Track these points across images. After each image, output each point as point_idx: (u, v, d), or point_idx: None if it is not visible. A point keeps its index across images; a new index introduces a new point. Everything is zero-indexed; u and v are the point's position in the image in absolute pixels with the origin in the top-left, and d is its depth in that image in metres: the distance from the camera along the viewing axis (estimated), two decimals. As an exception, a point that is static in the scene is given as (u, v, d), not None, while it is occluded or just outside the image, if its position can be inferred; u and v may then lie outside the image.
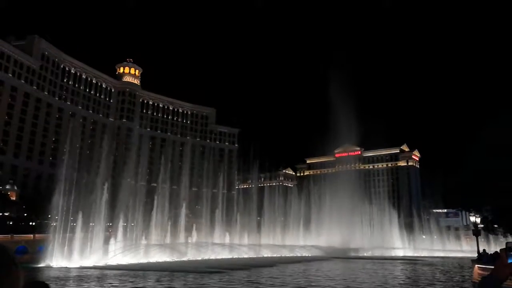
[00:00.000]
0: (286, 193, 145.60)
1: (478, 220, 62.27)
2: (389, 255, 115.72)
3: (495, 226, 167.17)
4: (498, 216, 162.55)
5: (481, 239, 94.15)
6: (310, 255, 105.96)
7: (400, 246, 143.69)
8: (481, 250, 53.82)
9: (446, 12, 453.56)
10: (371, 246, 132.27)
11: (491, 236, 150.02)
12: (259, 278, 48.01)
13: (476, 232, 59.14)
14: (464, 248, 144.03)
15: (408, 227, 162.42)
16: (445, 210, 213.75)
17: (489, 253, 50.83)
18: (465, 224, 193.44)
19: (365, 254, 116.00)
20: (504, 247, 3.82)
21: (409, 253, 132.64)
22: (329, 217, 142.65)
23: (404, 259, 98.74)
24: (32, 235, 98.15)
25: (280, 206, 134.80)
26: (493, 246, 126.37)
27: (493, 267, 3.66)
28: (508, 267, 3.53)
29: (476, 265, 38.43)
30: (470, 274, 46.61)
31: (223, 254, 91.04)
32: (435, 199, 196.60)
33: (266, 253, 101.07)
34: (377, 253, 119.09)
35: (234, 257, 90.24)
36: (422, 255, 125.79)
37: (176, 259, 78.48)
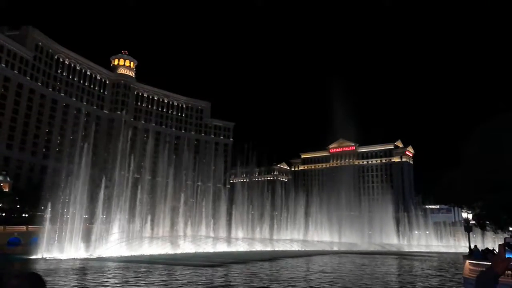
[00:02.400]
0: (280, 187, 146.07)
1: (470, 216, 62.80)
2: (384, 250, 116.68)
3: (487, 222, 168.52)
4: (490, 212, 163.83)
5: (473, 235, 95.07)
6: (303, 249, 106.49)
7: (394, 242, 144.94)
8: (472, 246, 54.32)
9: (442, 11, 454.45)
10: (365, 241, 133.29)
11: (486, 232, 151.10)
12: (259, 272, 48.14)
13: (468, 228, 59.67)
14: (462, 244, 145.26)
15: (402, 222, 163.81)
16: (438, 206, 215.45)
17: (481, 249, 51.37)
18: (457, 220, 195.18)
19: (359, 249, 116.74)
20: (503, 242, 3.85)
21: (403, 248, 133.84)
22: (323, 212, 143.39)
23: (398, 254, 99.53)
24: (25, 227, 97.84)
25: (274, 200, 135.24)
26: (485, 242, 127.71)
27: (484, 262, 3.69)
28: (506, 261, 3.55)
29: (467, 261, 38.76)
30: (461, 269, 47.07)
31: (217, 247, 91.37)
32: (428, 195, 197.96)
33: (260, 247, 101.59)
34: (371, 248, 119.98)
35: (227, 250, 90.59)
36: (415, 250, 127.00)
37: (170, 252, 78.57)
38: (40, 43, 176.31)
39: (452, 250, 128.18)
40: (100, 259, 61.25)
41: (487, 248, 48.24)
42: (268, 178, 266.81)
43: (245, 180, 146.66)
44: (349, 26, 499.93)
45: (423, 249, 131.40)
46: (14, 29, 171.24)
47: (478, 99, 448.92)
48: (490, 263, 3.62)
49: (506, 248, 3.79)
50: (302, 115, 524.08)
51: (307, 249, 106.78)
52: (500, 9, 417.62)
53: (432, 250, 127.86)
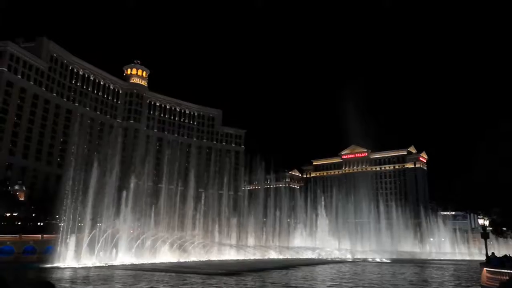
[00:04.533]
0: (292, 194, 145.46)
1: (487, 222, 61.51)
2: (401, 258, 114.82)
3: (504, 229, 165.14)
4: (507, 218, 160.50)
5: (490, 242, 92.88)
6: (316, 257, 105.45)
7: (409, 249, 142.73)
8: (490, 253, 53.07)
9: (457, 15, 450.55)
10: (381, 249, 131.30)
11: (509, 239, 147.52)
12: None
13: (485, 235, 58.41)
14: (483, 251, 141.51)
15: (417, 229, 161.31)
16: (453, 213, 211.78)
17: (498, 256, 50.14)
18: (473, 226, 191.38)
19: (375, 257, 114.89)
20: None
21: (419, 255, 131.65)
22: (337, 219, 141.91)
23: (415, 262, 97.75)
24: (40, 235, 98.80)
25: (286, 207, 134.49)
26: (505, 249, 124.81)
27: (503, 270, 3.59)
28: None
29: (485, 268, 37.93)
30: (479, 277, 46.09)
31: (229, 255, 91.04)
32: (443, 201, 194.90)
33: (273, 255, 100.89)
34: (387, 255, 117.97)
35: (240, 258, 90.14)
36: (431, 258, 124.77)
37: (181, 260, 78.58)
38: (55, 54, 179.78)
39: (469, 257, 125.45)
40: (112, 268, 61.53)
41: (505, 256, 47.08)
42: (280, 185, 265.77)
43: (257, 187, 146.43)
44: (361, 32, 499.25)
45: (441, 257, 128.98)
46: (30, 41, 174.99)
47: (491, 103, 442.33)
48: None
49: None
50: (313, 122, 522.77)
51: (322, 257, 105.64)
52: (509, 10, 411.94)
53: (448, 258, 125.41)
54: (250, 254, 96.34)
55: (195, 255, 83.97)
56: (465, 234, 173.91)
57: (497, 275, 33.54)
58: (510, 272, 30.94)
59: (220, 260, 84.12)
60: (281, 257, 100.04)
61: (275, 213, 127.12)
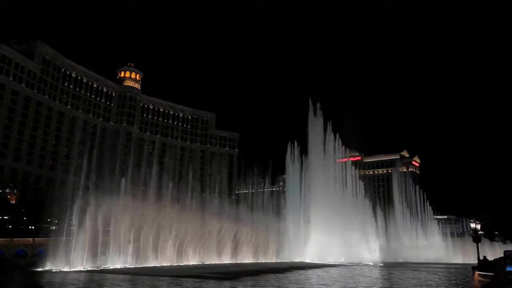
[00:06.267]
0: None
1: (478, 226, 62.07)
2: (392, 261, 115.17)
3: (496, 232, 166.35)
4: (498, 222, 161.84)
5: (481, 246, 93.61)
6: (309, 261, 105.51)
7: (403, 253, 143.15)
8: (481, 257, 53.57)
9: (447, 17, 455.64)
10: (376, 252, 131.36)
11: (495, 243, 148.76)
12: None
13: (476, 239, 59.03)
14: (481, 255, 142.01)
15: (409, 233, 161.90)
16: (446, 216, 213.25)
17: (489, 259, 50.61)
18: (465, 230, 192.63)
19: (368, 260, 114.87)
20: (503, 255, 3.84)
21: (412, 259, 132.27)
22: (331, 222, 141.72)
23: (408, 266, 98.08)
24: (31, 239, 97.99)
25: (280, 211, 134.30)
26: (500, 253, 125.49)
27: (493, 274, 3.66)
28: (506, 275, 3.55)
29: (476, 272, 38.34)
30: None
31: (222, 259, 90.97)
32: (435, 205, 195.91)
33: (267, 259, 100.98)
34: (382, 259, 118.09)
35: (235, 262, 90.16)
36: (425, 261, 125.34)
37: (175, 264, 78.21)
38: (47, 57, 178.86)
39: (462, 261, 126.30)
40: (104, 272, 61.04)
41: (495, 259, 47.54)
42: (274, 189, 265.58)
43: (250, 190, 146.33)
44: (353, 35, 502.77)
45: (433, 260, 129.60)
46: (22, 43, 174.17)
47: (485, 106, 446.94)
48: (492, 276, 3.62)
49: (508, 261, 3.77)
50: (307, 125, 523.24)
51: (315, 260, 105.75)
52: (497, 15, 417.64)
53: (440, 261, 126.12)
54: (244, 258, 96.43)
55: (188, 259, 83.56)
56: (458, 237, 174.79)
57: (488, 278, 33.90)
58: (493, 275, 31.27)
59: (216, 263, 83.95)
60: (272, 261, 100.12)
61: (269, 216, 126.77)
